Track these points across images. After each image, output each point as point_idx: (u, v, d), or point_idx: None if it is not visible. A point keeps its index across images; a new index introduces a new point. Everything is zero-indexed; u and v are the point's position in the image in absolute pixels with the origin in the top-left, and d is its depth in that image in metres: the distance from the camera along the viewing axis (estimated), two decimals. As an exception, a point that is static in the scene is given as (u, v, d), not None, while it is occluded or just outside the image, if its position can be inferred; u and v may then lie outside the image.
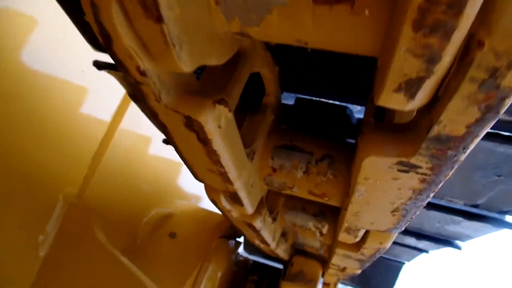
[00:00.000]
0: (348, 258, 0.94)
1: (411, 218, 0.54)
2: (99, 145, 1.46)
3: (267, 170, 0.79)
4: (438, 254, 1.94)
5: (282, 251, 1.54)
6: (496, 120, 0.31)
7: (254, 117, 0.78)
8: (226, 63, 0.66)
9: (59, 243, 1.32)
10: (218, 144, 0.54)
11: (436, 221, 1.27)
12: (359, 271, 1.21)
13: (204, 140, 0.53)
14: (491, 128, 0.75)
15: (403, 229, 0.60)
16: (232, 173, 0.64)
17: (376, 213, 0.56)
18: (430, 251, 1.92)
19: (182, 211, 2.05)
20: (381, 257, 2.62)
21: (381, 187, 0.48)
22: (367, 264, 0.99)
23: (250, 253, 2.50)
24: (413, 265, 2.49)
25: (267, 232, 1.08)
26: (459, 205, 1.15)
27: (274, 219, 1.14)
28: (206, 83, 0.60)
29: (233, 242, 1.92)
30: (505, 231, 1.23)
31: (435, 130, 0.34)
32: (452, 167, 0.39)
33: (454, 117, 0.32)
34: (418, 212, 0.53)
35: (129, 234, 1.73)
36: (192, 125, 0.50)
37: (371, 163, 0.43)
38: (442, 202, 1.16)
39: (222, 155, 0.57)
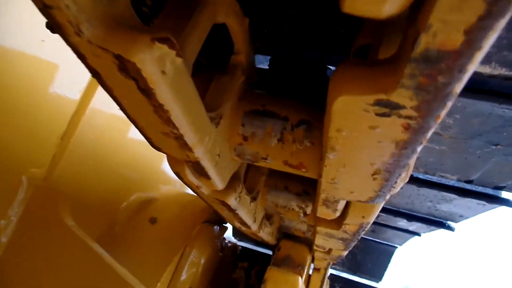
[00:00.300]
0: (331, 237, 0.87)
1: (395, 182, 0.46)
2: (68, 124, 1.35)
3: (237, 138, 0.70)
4: (431, 237, 1.89)
5: (266, 235, 1.46)
6: (507, 17, 0.22)
7: (222, 78, 0.69)
8: (184, 10, 0.56)
9: (23, 228, 1.22)
10: (165, 96, 0.45)
11: (428, 200, 1.19)
12: (345, 252, 1.13)
13: (146, 90, 0.43)
14: (491, 87, 0.67)
15: (388, 197, 0.51)
16: (189, 137, 0.54)
17: (354, 178, 0.48)
18: (422, 234, 1.86)
19: (164, 196, 1.96)
20: (372, 241, 2.57)
21: (358, 142, 0.39)
22: (352, 244, 0.92)
23: (240, 239, 2.44)
24: (406, 249, 2.45)
25: (245, 212, 1.00)
26: (452, 181, 1.08)
27: (254, 199, 1.06)
28: (157, 29, 0.50)
29: (218, 227, 1.84)
30: (500, 209, 1.16)
31: (423, 41, 0.25)
32: (445, 104, 0.30)
33: (448, 17, 0.23)
34: (403, 175, 0.45)
35: (107, 219, 1.64)
36: (126, 68, 0.40)
37: (343, 105, 0.34)
38: (434, 179, 1.09)
39: (173, 111, 0.48)
